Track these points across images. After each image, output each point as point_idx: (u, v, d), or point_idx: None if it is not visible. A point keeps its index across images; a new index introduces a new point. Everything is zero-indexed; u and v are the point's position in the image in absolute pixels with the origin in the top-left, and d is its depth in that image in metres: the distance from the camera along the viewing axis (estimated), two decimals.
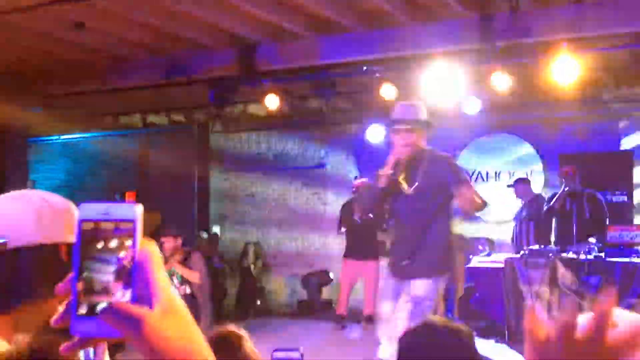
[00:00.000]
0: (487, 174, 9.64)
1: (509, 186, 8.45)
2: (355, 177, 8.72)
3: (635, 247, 6.67)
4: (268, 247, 10.91)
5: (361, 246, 8.05)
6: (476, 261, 7.57)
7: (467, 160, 9.68)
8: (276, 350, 1.68)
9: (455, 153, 9.66)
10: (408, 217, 4.09)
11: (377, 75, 7.60)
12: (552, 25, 6.25)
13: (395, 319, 3.92)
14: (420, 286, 3.92)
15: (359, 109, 9.65)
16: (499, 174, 9.56)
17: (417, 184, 4.01)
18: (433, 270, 3.98)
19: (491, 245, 8.64)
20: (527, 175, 9.23)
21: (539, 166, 9.32)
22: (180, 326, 0.76)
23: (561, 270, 6.74)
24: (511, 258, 7.14)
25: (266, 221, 10.98)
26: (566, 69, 6.61)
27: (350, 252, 8.19)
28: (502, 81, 7.03)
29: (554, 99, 8.36)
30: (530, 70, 7.74)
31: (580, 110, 8.59)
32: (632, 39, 6.14)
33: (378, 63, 7.47)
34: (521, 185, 8.02)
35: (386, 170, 3.94)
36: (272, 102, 7.85)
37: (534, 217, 7.72)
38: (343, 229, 8.37)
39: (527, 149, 9.40)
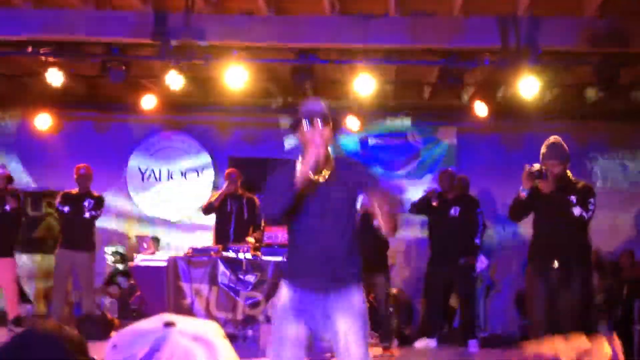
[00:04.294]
0: (160, 172, 9.57)
1: None
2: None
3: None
4: None
5: None
6: (139, 259, 7.42)
7: (141, 159, 9.51)
8: None
9: (132, 149, 9.46)
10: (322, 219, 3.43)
11: (44, 58, 7.02)
12: (224, 31, 6.44)
13: None
14: None
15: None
16: (171, 173, 9.57)
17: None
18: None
19: (157, 244, 8.58)
20: (197, 174, 9.42)
21: (209, 167, 9.52)
22: None
23: (221, 268, 6.98)
24: (175, 257, 7.17)
25: None
26: (236, 76, 6.88)
27: None
28: (175, 80, 7.01)
29: (227, 103, 8.65)
30: (204, 72, 7.89)
31: (251, 116, 9.02)
32: (295, 55, 6.61)
33: (45, 45, 6.90)
34: None
35: (305, 172, 3.24)
36: None
37: None
38: None
39: (199, 149, 9.55)
